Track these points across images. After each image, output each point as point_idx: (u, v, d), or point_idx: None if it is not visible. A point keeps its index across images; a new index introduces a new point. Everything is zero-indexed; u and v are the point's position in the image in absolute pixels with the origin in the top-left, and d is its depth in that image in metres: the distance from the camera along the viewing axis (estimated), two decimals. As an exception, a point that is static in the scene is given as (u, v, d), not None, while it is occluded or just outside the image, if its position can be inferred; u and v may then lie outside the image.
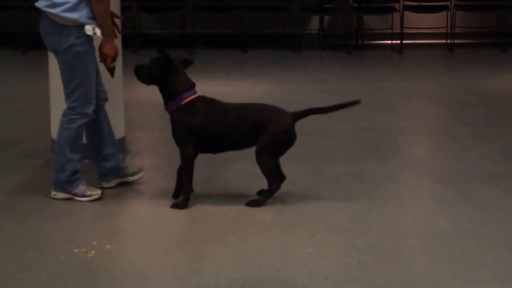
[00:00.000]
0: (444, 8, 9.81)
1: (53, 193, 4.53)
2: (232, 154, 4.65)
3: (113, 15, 4.48)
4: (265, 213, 4.31)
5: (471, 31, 10.19)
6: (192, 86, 4.38)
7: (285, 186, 4.49)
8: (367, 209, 4.37)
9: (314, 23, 10.26)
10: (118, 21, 4.60)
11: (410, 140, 5.96)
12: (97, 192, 4.55)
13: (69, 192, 4.50)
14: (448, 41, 10.00)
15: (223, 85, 7.60)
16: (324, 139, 5.81)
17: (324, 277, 3.50)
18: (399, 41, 9.89)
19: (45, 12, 4.33)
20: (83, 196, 4.50)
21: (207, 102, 4.41)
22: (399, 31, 9.90)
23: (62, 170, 4.46)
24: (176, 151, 4.40)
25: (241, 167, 4.97)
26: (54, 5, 4.29)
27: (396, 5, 9.82)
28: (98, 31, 4.32)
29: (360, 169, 5.09)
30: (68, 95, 4.42)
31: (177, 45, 9.00)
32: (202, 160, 4.58)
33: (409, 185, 4.88)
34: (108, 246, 3.83)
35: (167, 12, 9.69)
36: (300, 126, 4.45)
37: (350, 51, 9.66)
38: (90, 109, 4.44)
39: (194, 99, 4.36)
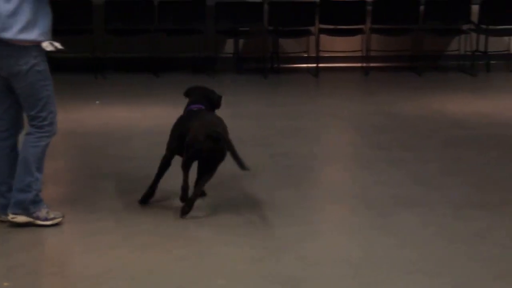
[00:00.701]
0: (359, 31, 9.82)
1: (11, 216, 4.29)
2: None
3: None
4: (175, 243, 4.18)
5: (386, 54, 10.22)
6: None
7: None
8: (279, 237, 4.25)
9: (229, 47, 10.14)
10: None
11: (325, 165, 5.88)
12: (59, 215, 4.37)
13: (31, 214, 4.29)
14: (364, 65, 10.00)
15: (133, 111, 7.42)
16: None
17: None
18: (315, 65, 9.85)
19: None
20: (46, 219, 4.32)
21: None
22: (315, 55, 9.87)
23: (27, 190, 4.29)
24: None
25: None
26: (6, 29, 4.12)
27: (312, 29, 9.78)
28: (57, 44, 4.23)
29: (273, 196, 4.96)
30: (34, 117, 4.27)
31: (86, 69, 8.76)
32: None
33: (322, 212, 4.78)
34: (5, 284, 3.59)
35: (76, 36, 9.38)
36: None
37: (265, 75, 9.56)
38: (56, 127, 4.32)
39: None
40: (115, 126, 6.91)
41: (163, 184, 4.75)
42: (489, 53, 10.16)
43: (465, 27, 10.00)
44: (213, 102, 5.03)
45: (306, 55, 10.07)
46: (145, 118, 7.14)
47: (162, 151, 4.78)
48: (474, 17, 9.83)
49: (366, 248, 4.09)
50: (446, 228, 4.41)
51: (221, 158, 4.59)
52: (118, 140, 6.44)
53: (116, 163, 5.73)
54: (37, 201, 4.32)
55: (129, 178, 5.32)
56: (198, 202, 4.58)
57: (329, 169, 5.82)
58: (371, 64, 9.98)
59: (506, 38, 10.23)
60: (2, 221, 4.37)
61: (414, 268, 3.83)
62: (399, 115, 7.44)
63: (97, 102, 7.81)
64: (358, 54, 10.03)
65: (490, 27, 9.93)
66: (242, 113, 7.46)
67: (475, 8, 9.78)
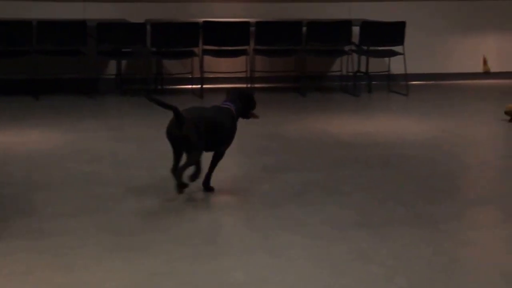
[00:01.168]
0: (243, 52, 9.83)
1: None
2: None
3: None
4: (51, 271, 4.00)
5: (270, 75, 10.29)
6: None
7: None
8: (166, 261, 4.16)
9: (111, 68, 9.98)
10: None
11: (219, 188, 5.78)
12: None
13: None
14: (248, 85, 10.01)
15: (12, 135, 7.18)
16: (120, 188, 5.53)
17: None
18: (199, 86, 9.80)
19: None
20: None
21: None
22: (199, 76, 9.82)
23: None
24: None
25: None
26: None
27: (196, 50, 9.73)
28: None
29: (158, 221, 4.88)
30: None
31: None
32: None
33: (210, 234, 4.69)
34: None
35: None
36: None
37: (148, 96, 9.43)
38: None
39: None
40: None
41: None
42: (370, 74, 10.37)
43: (347, 48, 10.17)
44: (247, 102, 5.61)
45: (190, 76, 10.02)
46: (28, 143, 6.89)
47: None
48: (355, 38, 10.01)
49: (252, 271, 4.04)
50: (329, 249, 4.39)
51: (184, 144, 5.19)
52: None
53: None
54: None
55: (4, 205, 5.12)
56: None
57: (214, 191, 5.74)
58: (256, 85, 10.01)
59: (386, 59, 10.45)
60: None
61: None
62: (284, 136, 7.46)
63: None
64: (243, 75, 10.05)
65: (371, 48, 10.13)
66: (125, 136, 7.34)
67: (356, 30, 9.96)
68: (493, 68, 11.16)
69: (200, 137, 5.20)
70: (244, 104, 5.60)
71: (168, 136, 5.29)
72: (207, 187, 5.49)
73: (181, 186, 5.20)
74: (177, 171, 5.20)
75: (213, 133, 5.33)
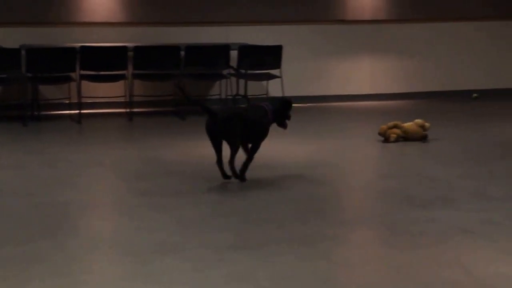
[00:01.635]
0: (122, 77, 9.78)
1: None
2: None
3: None
4: None
5: (150, 99, 10.27)
6: None
7: None
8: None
9: (-15, 94, 9.76)
10: None
11: (85, 213, 5.73)
12: None
13: None
14: (127, 110, 9.96)
15: None
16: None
17: None
18: (77, 111, 9.68)
19: None
20: None
21: None
22: (77, 101, 9.70)
23: None
24: None
25: None
26: None
27: (73, 75, 9.62)
28: None
29: (36, 249, 4.76)
30: None
31: None
32: None
33: (81, 262, 4.62)
34: None
35: None
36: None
37: (25, 123, 9.25)
38: None
39: None
40: None
41: None
42: (249, 96, 10.48)
43: (225, 72, 10.27)
44: (285, 107, 6.76)
45: (68, 102, 9.89)
46: None
47: None
48: (234, 62, 10.11)
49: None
50: (207, 272, 4.40)
51: (220, 136, 6.27)
52: None
53: None
54: None
55: None
56: None
57: (89, 217, 5.68)
58: (135, 110, 9.96)
59: (264, 82, 10.60)
60: None
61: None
62: (162, 160, 7.45)
63: None
64: (122, 99, 9.99)
65: (249, 71, 10.26)
66: (1, 163, 7.18)
67: (234, 54, 10.07)
68: (366, 90, 11.50)
69: (234, 130, 6.23)
70: (282, 109, 6.70)
71: (207, 132, 6.29)
72: (242, 177, 6.43)
73: (228, 177, 6.40)
74: (229, 164, 6.26)
75: (247, 128, 6.34)
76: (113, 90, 9.97)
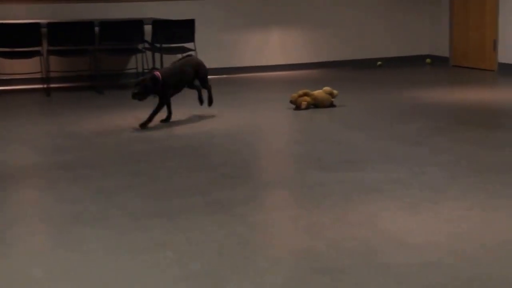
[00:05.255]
0: (36, 53, 9.78)
1: None
2: None
3: None
4: None
5: (67, 75, 10.30)
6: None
7: None
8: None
9: None
10: None
11: (7, 188, 5.77)
12: None
13: None
14: (45, 86, 9.97)
15: None
16: None
17: None
18: (-6, 88, 9.67)
19: None
20: None
21: None
22: (-8, 79, 9.69)
23: None
24: None
25: None
26: None
27: (-11, 52, 9.59)
28: None
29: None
30: None
31: None
32: None
33: (5, 234, 4.67)
34: None
35: None
36: None
37: None
38: None
39: None
40: None
41: None
42: (165, 70, 10.59)
43: (140, 46, 10.36)
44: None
45: (-17, 79, 9.86)
46: None
47: None
48: (148, 36, 10.21)
49: (51, 266, 4.12)
50: (126, 239, 4.52)
51: None
52: None
53: None
54: None
55: None
56: None
57: (9, 191, 5.73)
58: (53, 85, 9.99)
59: (178, 56, 10.71)
60: None
61: (99, 282, 3.89)
62: (81, 134, 7.55)
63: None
64: (38, 75, 9.99)
65: (164, 45, 10.37)
66: None
67: (148, 28, 10.16)
68: (278, 61, 11.75)
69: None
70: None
71: None
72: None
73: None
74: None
75: None
76: (29, 66, 9.98)
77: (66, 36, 9.83)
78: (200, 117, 8.33)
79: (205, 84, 8.49)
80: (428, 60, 12.50)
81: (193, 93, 8.55)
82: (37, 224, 4.88)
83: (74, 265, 4.14)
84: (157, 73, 7.93)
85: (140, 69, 10.65)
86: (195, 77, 8.37)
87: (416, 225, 4.69)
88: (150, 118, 7.91)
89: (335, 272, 3.94)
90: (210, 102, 8.53)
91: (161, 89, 7.95)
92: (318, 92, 8.74)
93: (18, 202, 5.49)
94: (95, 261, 4.20)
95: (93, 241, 4.50)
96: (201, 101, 8.48)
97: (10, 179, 6.05)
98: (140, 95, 7.78)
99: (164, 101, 8.06)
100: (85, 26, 9.88)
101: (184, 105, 9.34)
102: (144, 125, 7.83)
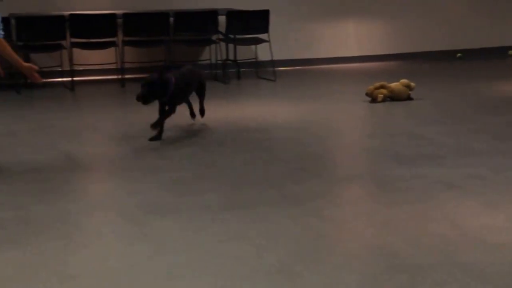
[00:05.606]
0: (112, 44, 9.86)
1: None
2: None
3: None
4: None
5: (141, 65, 10.34)
6: None
7: None
8: (35, 254, 4.18)
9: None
10: None
11: (82, 178, 5.83)
12: None
13: None
14: (119, 77, 10.05)
15: None
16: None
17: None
18: (70, 78, 9.77)
19: None
20: None
21: None
22: (69, 68, 9.79)
23: None
24: None
25: None
26: None
27: (64, 42, 9.69)
28: None
29: (26, 212, 4.87)
30: None
31: None
32: None
33: (79, 225, 4.72)
34: None
35: None
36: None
37: (18, 90, 9.34)
38: None
39: None
40: None
41: None
42: (239, 61, 10.58)
43: (214, 37, 10.35)
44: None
45: (60, 69, 9.97)
46: None
47: None
48: (222, 27, 10.19)
49: (126, 258, 4.12)
50: (201, 232, 4.50)
51: None
52: None
53: None
54: None
55: None
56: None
57: (84, 180, 5.78)
58: (127, 76, 10.05)
59: (253, 47, 10.69)
60: None
61: (175, 273, 3.89)
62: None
63: None
64: (114, 66, 10.07)
65: (237, 36, 10.34)
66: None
67: (222, 19, 10.14)
68: (353, 52, 11.61)
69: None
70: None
71: None
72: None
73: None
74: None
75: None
76: (104, 57, 10.06)
77: (141, 27, 9.88)
78: (272, 111, 8.27)
79: (203, 98, 7.59)
80: (459, 55, 12.07)
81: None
82: (113, 215, 4.89)
83: (149, 257, 4.13)
84: (170, 76, 6.92)
85: (213, 60, 10.65)
86: (194, 90, 7.48)
87: (497, 223, 4.56)
88: (161, 125, 6.94)
89: (413, 269, 3.86)
90: (203, 112, 7.63)
91: (171, 96, 6.89)
92: (395, 85, 8.60)
93: (93, 192, 5.53)
94: (170, 253, 4.19)
95: (168, 233, 4.50)
96: (193, 115, 7.61)
97: (85, 168, 6.10)
98: (145, 98, 6.64)
99: (173, 111, 7.01)
100: (160, 16, 9.92)
101: (254, 97, 9.32)
102: (155, 127, 6.89)
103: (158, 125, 6.82)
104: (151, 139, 6.80)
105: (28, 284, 3.79)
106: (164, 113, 6.90)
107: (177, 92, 6.89)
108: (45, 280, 3.83)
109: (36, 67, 5.81)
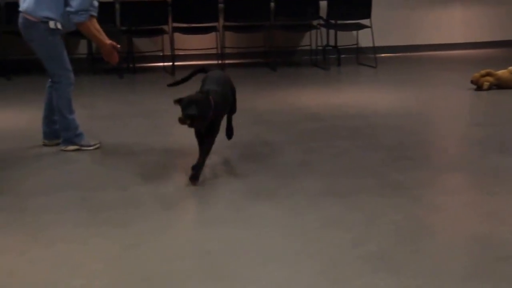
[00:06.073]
0: (213, 29, 9.89)
1: (63, 147, 5.92)
2: None
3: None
4: (30, 245, 4.05)
5: (241, 51, 10.35)
6: None
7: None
8: (140, 234, 4.22)
9: (82, 47, 10.00)
10: None
11: (183, 161, 5.84)
12: (97, 142, 6.05)
13: (77, 143, 5.93)
14: (219, 62, 10.08)
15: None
16: (91, 166, 5.60)
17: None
18: (171, 63, 9.85)
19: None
20: (89, 146, 5.97)
21: None
22: (170, 53, 9.88)
23: (68, 129, 5.87)
24: None
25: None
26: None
27: (165, 27, 9.78)
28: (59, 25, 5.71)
29: (129, 194, 4.92)
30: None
31: None
32: None
33: (175, 206, 4.75)
34: None
35: None
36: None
37: (121, 75, 9.48)
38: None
39: None
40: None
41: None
42: (339, 47, 10.46)
43: (315, 22, 10.26)
44: None
45: (161, 54, 10.07)
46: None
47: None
48: (323, 13, 10.09)
49: (224, 241, 4.11)
50: (298, 218, 4.46)
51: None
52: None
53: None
54: (78, 135, 5.91)
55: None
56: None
57: (185, 164, 5.79)
58: (227, 61, 10.08)
59: (354, 33, 10.56)
60: (46, 145, 6.04)
61: (273, 257, 3.86)
62: (255, 110, 7.54)
63: None
64: (213, 51, 10.11)
65: (339, 22, 10.23)
66: (98, 114, 7.40)
67: (323, 4, 10.04)
68: (458, 39, 11.32)
69: None
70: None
71: None
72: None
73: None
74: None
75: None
76: (205, 42, 10.11)
77: (242, 12, 9.88)
78: (373, 97, 8.14)
79: (234, 108, 5.98)
80: None
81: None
82: (210, 198, 4.89)
83: (247, 241, 4.12)
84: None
85: (313, 46, 10.57)
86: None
87: None
88: (203, 162, 5.27)
89: (521, 261, 3.72)
90: (232, 133, 5.96)
91: (212, 119, 5.26)
92: (502, 72, 8.34)
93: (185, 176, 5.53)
94: (267, 238, 4.16)
95: (266, 218, 4.47)
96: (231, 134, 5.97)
97: (184, 153, 6.13)
98: (198, 121, 5.14)
99: (215, 135, 5.41)
100: (261, 1, 9.89)
101: (354, 83, 9.21)
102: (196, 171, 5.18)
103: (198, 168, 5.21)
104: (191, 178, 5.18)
105: (132, 264, 3.82)
106: (208, 145, 5.35)
107: (218, 116, 5.39)
108: (147, 259, 3.86)
109: (118, 46, 5.92)
